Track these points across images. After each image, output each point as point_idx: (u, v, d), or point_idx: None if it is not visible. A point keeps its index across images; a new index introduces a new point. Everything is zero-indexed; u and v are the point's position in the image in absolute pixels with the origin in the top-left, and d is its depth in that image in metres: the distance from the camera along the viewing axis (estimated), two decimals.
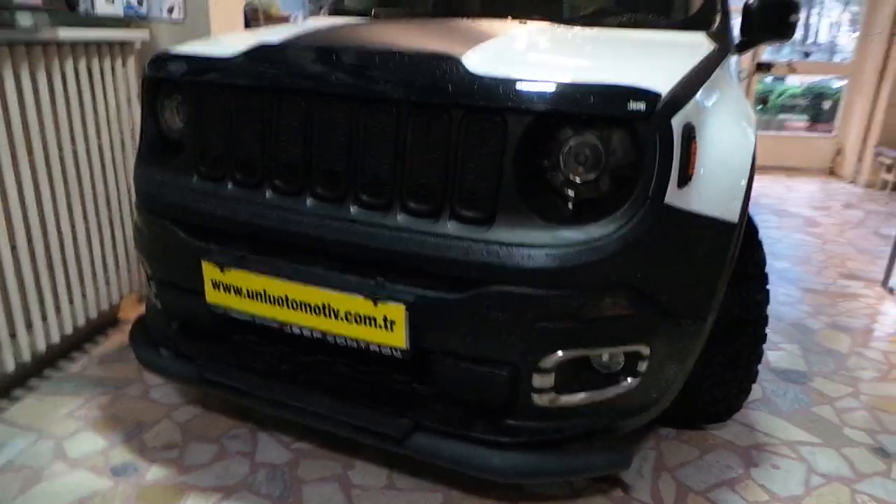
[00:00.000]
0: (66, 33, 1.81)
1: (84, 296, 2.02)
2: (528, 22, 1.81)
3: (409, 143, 1.25)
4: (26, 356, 1.79)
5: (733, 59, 1.96)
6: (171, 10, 2.26)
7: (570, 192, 1.24)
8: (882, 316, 2.81)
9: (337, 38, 1.53)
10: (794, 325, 2.63)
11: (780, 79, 7.14)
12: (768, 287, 1.63)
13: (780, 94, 7.92)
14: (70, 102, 1.89)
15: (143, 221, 1.56)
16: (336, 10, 2.35)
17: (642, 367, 1.30)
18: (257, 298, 1.35)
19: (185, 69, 1.49)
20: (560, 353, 1.23)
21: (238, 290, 1.37)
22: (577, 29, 1.79)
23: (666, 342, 1.32)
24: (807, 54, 7.00)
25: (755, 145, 1.45)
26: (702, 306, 1.34)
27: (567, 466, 1.30)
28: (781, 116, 7.40)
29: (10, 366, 1.73)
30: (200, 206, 1.44)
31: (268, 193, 1.39)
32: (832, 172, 6.02)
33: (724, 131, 1.38)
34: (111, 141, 2.08)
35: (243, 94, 1.39)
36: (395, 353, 1.27)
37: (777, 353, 2.38)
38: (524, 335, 1.22)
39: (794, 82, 7.42)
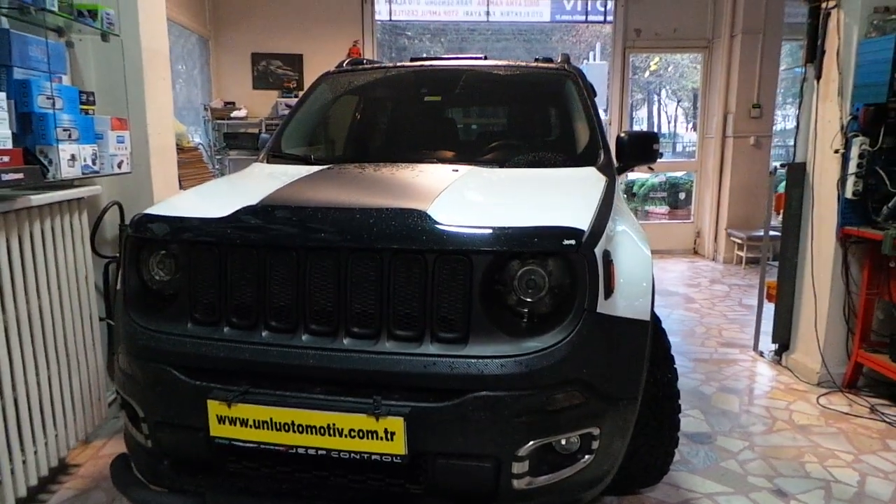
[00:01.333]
0: (38, 197, 1.95)
1: (35, 451, 2.02)
2: (457, 166, 2.20)
3: (393, 283, 1.53)
4: None
5: (618, 185, 2.45)
6: (119, 165, 2.43)
7: (524, 311, 1.56)
8: (759, 376, 3.34)
9: (310, 195, 1.81)
10: (692, 393, 3.07)
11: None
12: (675, 366, 2.02)
13: (641, 186, 9.07)
14: (36, 260, 2.00)
15: (136, 368, 1.68)
16: (273, 157, 2.62)
17: (595, 444, 1.60)
18: (264, 427, 1.52)
19: (170, 229, 1.69)
20: (532, 441, 1.51)
21: (244, 421, 1.53)
22: (497, 171, 2.20)
23: (611, 421, 1.63)
24: (660, 154, 8.14)
25: (650, 255, 1.86)
26: (633, 388, 1.68)
27: None
28: (646, 206, 8.47)
29: None
30: (199, 350, 1.60)
31: (264, 333, 1.60)
32: (695, 252, 6.93)
33: (629, 249, 1.78)
34: (69, 290, 2.17)
35: (234, 250, 1.61)
36: (394, 459, 1.48)
37: (685, 419, 2.76)
38: (503, 430, 1.48)
39: (651, 176, 8.58)
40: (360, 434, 1.48)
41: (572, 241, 1.52)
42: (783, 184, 3.63)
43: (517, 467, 1.52)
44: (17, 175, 1.79)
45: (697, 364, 3.50)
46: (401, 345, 1.52)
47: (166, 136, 2.90)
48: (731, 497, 2.16)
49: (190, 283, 1.66)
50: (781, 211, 3.48)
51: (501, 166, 2.32)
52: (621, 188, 2.57)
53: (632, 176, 8.87)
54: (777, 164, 4.03)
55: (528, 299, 1.55)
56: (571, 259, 1.53)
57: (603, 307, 1.57)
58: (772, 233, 3.83)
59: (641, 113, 16.26)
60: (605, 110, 6.72)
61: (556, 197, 1.89)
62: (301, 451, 1.52)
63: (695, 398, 3.01)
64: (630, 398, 1.68)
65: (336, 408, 1.49)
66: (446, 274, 1.51)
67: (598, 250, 1.56)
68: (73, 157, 2.15)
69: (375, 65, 3.04)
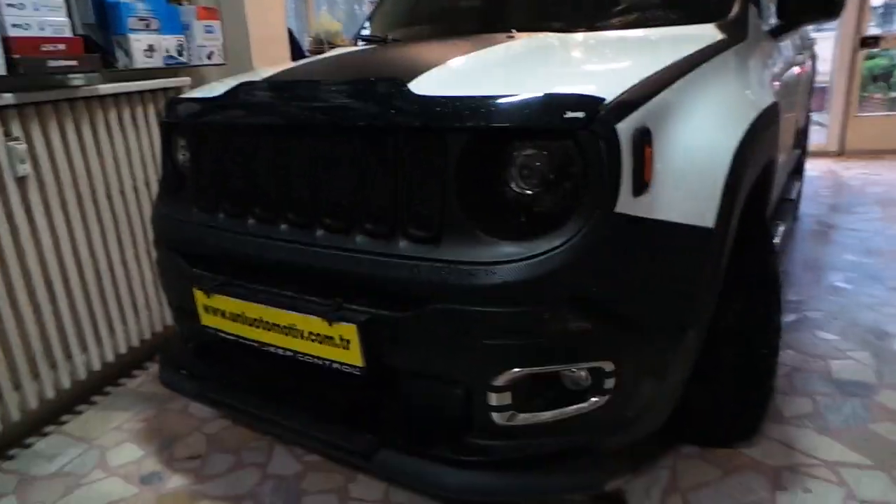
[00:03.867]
0: (107, 87, 2.03)
1: (138, 317, 2.24)
2: (520, 35, 1.79)
3: (363, 168, 1.29)
4: (81, 374, 2.01)
5: (754, 48, 1.82)
6: (210, 56, 2.45)
7: (517, 208, 1.21)
8: None
9: (311, 71, 1.60)
10: (871, 331, 2.35)
11: None
12: (778, 297, 1.49)
13: None
14: (115, 147, 2.11)
15: (157, 253, 1.72)
16: (358, 39, 2.45)
17: (609, 383, 1.24)
18: (238, 321, 1.44)
19: (185, 111, 1.62)
20: (512, 370, 1.21)
21: (223, 312, 1.47)
22: (570, 36, 1.74)
23: (635, 357, 1.24)
24: None
25: (735, 143, 1.33)
26: (676, 318, 1.26)
27: (528, 487, 1.27)
28: None
29: (66, 383, 1.96)
30: (196, 237, 1.56)
31: (250, 222, 1.48)
32: None
33: (699, 130, 1.29)
34: (157, 179, 2.30)
35: (224, 131, 1.50)
36: (354, 370, 1.30)
37: (842, 361, 2.14)
38: (473, 353, 1.20)
39: None
40: (318, 338, 1.32)
41: (579, 114, 1.12)
42: None
43: (495, 398, 1.23)
44: (70, 62, 1.85)
45: (895, 295, 2.67)
46: (371, 241, 1.30)
47: (272, 26, 2.86)
48: (863, 472, 1.61)
49: (194, 167, 1.60)
50: None
51: (586, 29, 1.84)
52: (770, 59, 1.92)
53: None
54: None
55: (523, 192, 1.20)
56: (579, 138, 1.13)
57: (629, 206, 1.16)
58: None
59: None
60: None
61: (610, 62, 1.43)
62: (272, 349, 1.42)
63: (872, 337, 2.30)
64: (671, 330, 1.26)
65: (298, 308, 1.34)
66: (417, 157, 1.22)
67: (623, 127, 1.13)
68: (150, 48, 2.20)
69: None
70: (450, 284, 1.18)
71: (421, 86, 1.27)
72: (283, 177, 1.41)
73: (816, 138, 5.37)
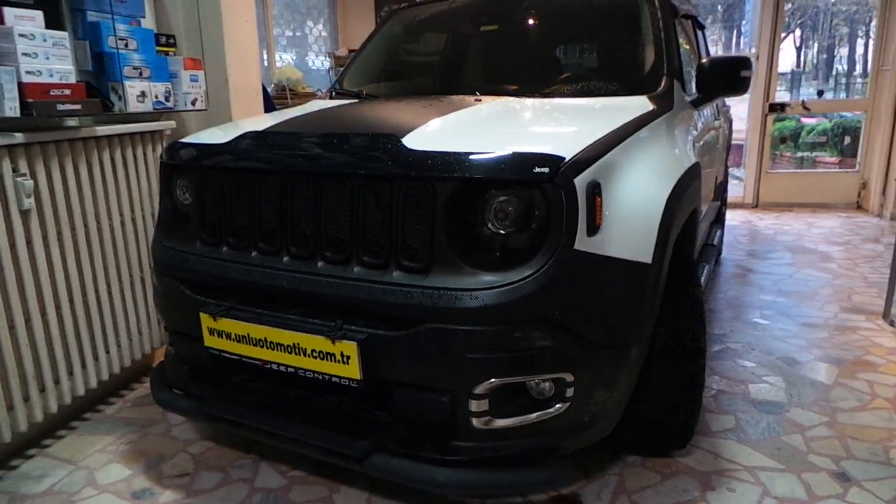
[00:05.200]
0: (105, 129, 2.19)
1: (119, 346, 2.34)
2: (485, 98, 2.09)
3: (361, 209, 1.52)
4: (67, 399, 2.10)
5: (679, 116, 2.17)
6: (193, 102, 2.64)
7: (494, 244, 1.46)
8: (876, 347, 2.85)
9: (308, 123, 1.84)
10: (783, 359, 2.71)
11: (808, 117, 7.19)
12: (703, 319, 1.79)
13: (810, 132, 7.94)
14: (107, 184, 2.26)
15: (158, 282, 1.87)
16: (335, 94, 2.70)
17: (569, 392, 1.49)
18: (243, 341, 1.61)
19: (188, 155, 1.81)
20: (490, 379, 1.44)
21: (228, 334, 1.64)
22: (526, 101, 2.05)
23: (590, 369, 1.50)
24: (820, 93, 7.03)
25: (665, 195, 1.63)
26: (622, 337, 1.53)
27: (503, 482, 1.49)
28: (812, 154, 7.40)
29: (54, 408, 2.05)
30: (201, 268, 1.73)
31: (253, 254, 1.68)
32: (859, 206, 5.99)
33: (638, 184, 1.58)
34: (143, 214, 2.44)
35: (231, 174, 1.70)
36: (352, 383, 1.50)
37: (759, 385, 2.47)
38: (458, 365, 1.43)
39: (822, 119, 7.45)
40: (321, 355, 1.51)
41: (545, 170, 1.39)
42: None
43: (475, 405, 1.46)
44: (75, 106, 2.02)
45: (803, 329, 3.07)
46: (368, 272, 1.52)
47: (248, 77, 3.07)
48: (776, 474, 1.90)
49: (198, 205, 1.79)
50: None
51: (539, 96, 2.16)
52: (691, 125, 2.28)
53: (806, 120, 7.80)
54: None
55: (499, 231, 1.46)
56: (544, 189, 1.40)
57: (584, 244, 1.43)
58: None
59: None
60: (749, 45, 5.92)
61: (564, 125, 1.73)
62: (274, 366, 1.60)
63: (782, 364, 2.66)
64: (618, 346, 1.53)
65: (302, 328, 1.54)
66: (411, 201, 1.46)
67: (579, 180, 1.41)
68: (143, 94, 2.37)
69: None
70: (438, 307, 1.41)
71: (413, 141, 1.52)
72: (287, 216, 1.62)
73: (735, 191, 5.95)
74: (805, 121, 7.84)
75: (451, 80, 2.56)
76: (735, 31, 12.07)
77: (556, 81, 2.29)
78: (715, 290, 3.66)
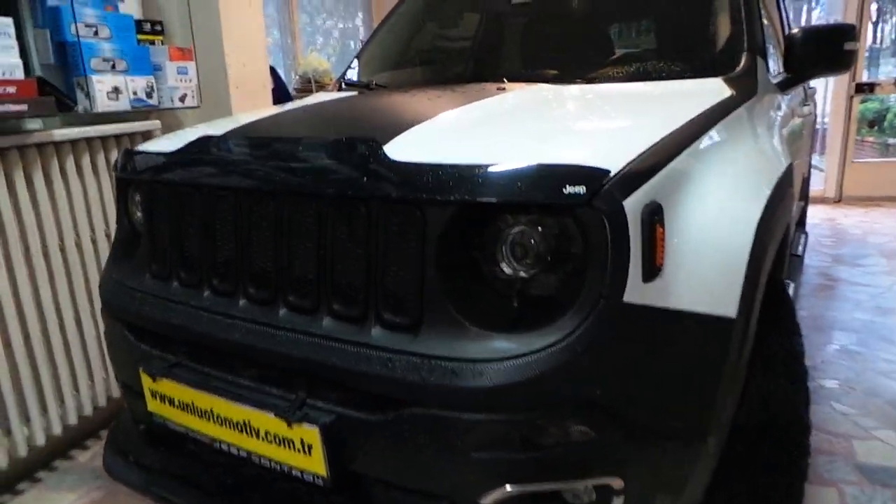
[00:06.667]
0: (63, 132, 1.87)
1: (92, 382, 2.03)
2: (512, 85, 1.65)
3: (332, 240, 1.12)
4: (21, 451, 1.80)
5: (764, 103, 1.68)
6: (182, 98, 2.30)
7: (508, 294, 1.04)
8: None
9: (278, 123, 1.45)
10: (891, 402, 2.17)
11: None
12: (805, 383, 1.31)
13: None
14: (73, 197, 1.94)
15: (105, 323, 1.53)
16: (342, 83, 2.31)
17: (618, 502, 1.05)
18: (188, 411, 1.25)
19: (140, 165, 1.45)
20: (507, 487, 1.02)
21: (171, 400, 1.27)
22: (566, 88, 1.60)
23: (647, 470, 1.06)
24: None
25: (758, 214, 1.17)
26: (694, 423, 1.07)
27: None
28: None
29: (3, 463, 1.75)
30: (145, 309, 1.37)
31: (206, 293, 1.30)
32: None
33: (716, 204, 1.12)
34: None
35: (179, 190, 1.33)
36: (317, 479, 1.11)
37: (868, 443, 1.96)
38: (456, 466, 1.02)
39: None
40: (276, 440, 1.13)
41: (580, 189, 0.95)
42: None
43: None
44: (19, 106, 1.69)
45: None
46: (339, 326, 1.12)
47: (254, 66, 2.72)
48: None
49: (147, 229, 1.43)
50: None
51: (581, 81, 1.70)
52: (778, 112, 1.76)
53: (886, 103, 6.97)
54: None
55: (515, 276, 1.03)
56: (580, 217, 0.97)
57: (638, 294, 0.99)
58: None
59: None
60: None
61: (611, 122, 1.28)
62: (225, 447, 1.22)
63: (893, 411, 2.12)
64: (689, 438, 1.08)
65: (254, 401, 1.15)
66: (393, 232, 1.05)
67: (632, 204, 0.97)
68: (115, 90, 2.04)
69: None
70: (429, 385, 1.00)
71: (399, 148, 1.10)
72: (244, 245, 1.23)
73: (814, 184, 5.28)
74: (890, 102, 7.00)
75: (474, 66, 2.12)
76: (807, 1, 10.97)
77: (603, 62, 1.82)
78: (798, 307, 3.10)
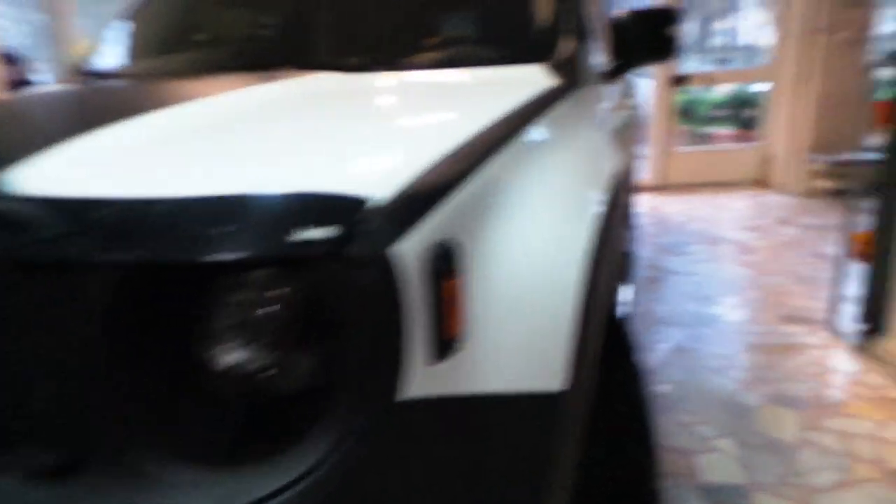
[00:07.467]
0: None
1: None
2: (281, 75, 1.25)
3: None
4: None
5: (592, 96, 1.45)
6: None
7: (224, 407, 0.66)
8: (832, 374, 2.31)
9: None
10: (727, 405, 2.10)
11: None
12: (655, 451, 1.08)
13: (704, 104, 7.65)
14: None
15: None
16: (81, 74, 1.78)
17: None
18: None
19: None
20: None
21: None
22: (349, 78, 1.23)
23: None
24: (723, 62, 6.71)
25: (604, 234, 0.90)
26: None
27: None
28: (708, 129, 7.08)
29: None
30: None
31: None
32: (762, 183, 5.67)
33: (534, 232, 0.82)
34: None
35: None
36: None
37: (707, 456, 1.83)
38: None
39: (720, 90, 7.14)
40: None
41: (323, 232, 0.60)
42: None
43: None
44: None
45: (741, 353, 2.49)
46: None
47: None
48: None
49: None
50: (884, 126, 2.35)
51: (378, 69, 1.34)
52: (600, 105, 1.51)
53: (695, 93, 7.48)
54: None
55: (233, 374, 0.65)
56: (326, 274, 0.61)
57: (424, 382, 0.65)
58: (866, 156, 2.71)
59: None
60: None
61: (390, 125, 0.94)
62: None
63: (730, 415, 2.04)
64: None
65: None
66: (22, 305, 0.63)
67: (409, 247, 0.63)
68: None
69: None
70: None
71: (41, 173, 0.67)
72: None
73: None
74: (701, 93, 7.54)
75: (251, 50, 1.67)
76: None
77: (395, 44, 1.48)
78: (634, 304, 3.06)
